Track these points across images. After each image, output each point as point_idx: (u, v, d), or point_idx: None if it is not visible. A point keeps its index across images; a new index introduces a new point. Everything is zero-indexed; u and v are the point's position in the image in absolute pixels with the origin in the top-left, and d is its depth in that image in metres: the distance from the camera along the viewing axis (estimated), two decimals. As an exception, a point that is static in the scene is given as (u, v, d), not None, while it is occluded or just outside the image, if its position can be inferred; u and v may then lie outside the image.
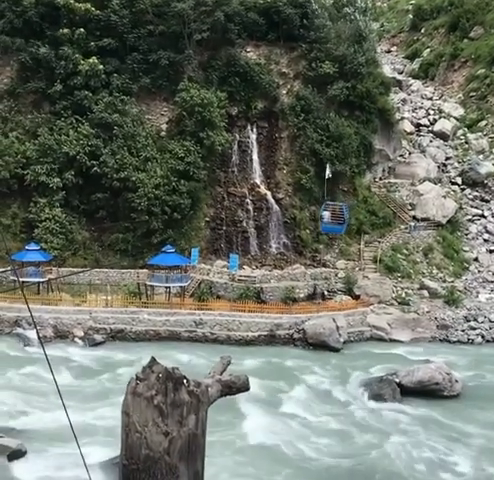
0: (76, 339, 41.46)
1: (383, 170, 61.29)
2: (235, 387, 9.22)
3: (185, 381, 8.09)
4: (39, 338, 37.55)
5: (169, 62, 53.38)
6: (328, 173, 55.25)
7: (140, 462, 7.86)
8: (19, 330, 40.76)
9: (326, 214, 55.44)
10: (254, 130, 56.02)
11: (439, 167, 63.13)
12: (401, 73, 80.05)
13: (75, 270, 46.61)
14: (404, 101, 71.51)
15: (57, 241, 48.99)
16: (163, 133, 54.09)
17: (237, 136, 55.55)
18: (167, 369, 8.03)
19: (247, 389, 9.39)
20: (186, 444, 7.90)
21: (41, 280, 45.58)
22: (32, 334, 39.24)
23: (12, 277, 44.37)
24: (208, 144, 51.40)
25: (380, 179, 60.69)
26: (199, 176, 51.37)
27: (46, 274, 45.91)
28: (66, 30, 51.92)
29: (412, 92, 74.52)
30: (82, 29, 52.25)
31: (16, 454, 24.79)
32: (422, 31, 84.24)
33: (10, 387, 31.97)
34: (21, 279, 44.36)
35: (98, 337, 41.81)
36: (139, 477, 7.86)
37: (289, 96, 56.51)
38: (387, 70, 71.82)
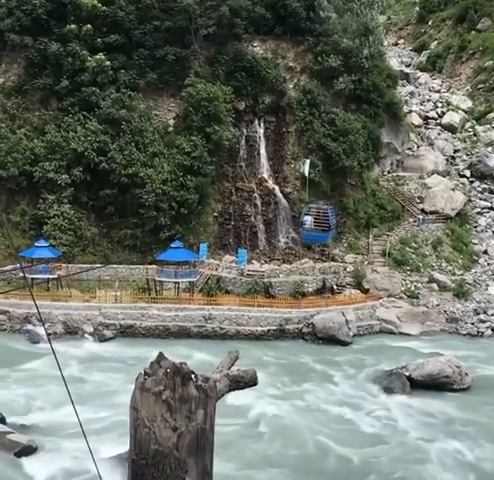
0: (86, 335, 41.57)
1: (391, 163, 61.11)
2: (243, 381, 9.20)
3: (193, 376, 8.07)
4: (47, 334, 37.67)
5: (176, 57, 53.31)
6: (306, 168, 52.84)
7: (149, 457, 7.85)
8: (29, 327, 40.89)
9: (308, 219, 51.02)
10: (261, 124, 55.93)
11: (447, 160, 62.89)
12: (408, 66, 79.73)
13: (90, 266, 46.74)
14: (412, 94, 71.24)
15: (66, 237, 49.08)
16: (170, 129, 54.08)
17: (244, 131, 55.48)
18: (175, 364, 8.02)
19: (255, 383, 9.36)
20: (195, 439, 7.88)
21: (51, 277, 45.69)
22: (42, 330, 39.38)
23: (21, 274, 44.45)
24: (215, 139, 51.34)
25: (388, 172, 60.53)
26: (206, 171, 51.34)
27: (55, 271, 46.01)
28: (73, 26, 51.92)
29: (420, 85, 74.21)
30: (89, 25, 52.25)
31: (27, 450, 24.87)
32: (429, 23, 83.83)
33: (20, 383, 32.10)
34: (31, 276, 44.49)
35: (108, 333, 41.91)
36: (148, 472, 7.86)
37: (296, 90, 56.38)
38: (394, 63, 71.57)
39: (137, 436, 7.99)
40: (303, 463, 25.78)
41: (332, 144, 53.99)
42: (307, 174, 53.06)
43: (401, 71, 71.59)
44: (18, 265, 46.07)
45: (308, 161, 52.92)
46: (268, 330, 43.50)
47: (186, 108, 52.89)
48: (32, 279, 44.84)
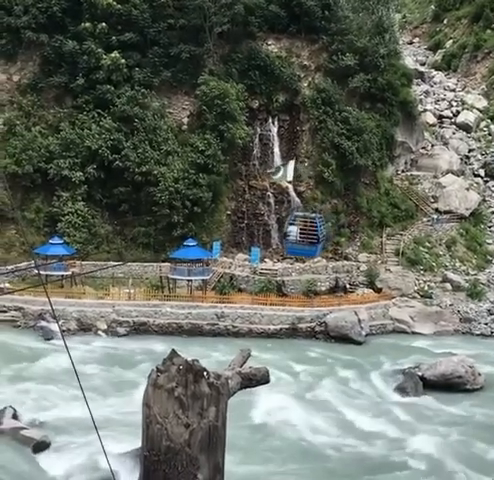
0: (99, 332, 41.78)
1: (405, 162, 60.90)
2: (255, 379, 9.22)
3: (205, 373, 8.10)
4: (61, 331, 37.91)
5: (190, 56, 53.39)
6: (288, 173, 50.18)
7: (161, 453, 7.89)
8: (43, 323, 41.13)
9: (293, 230, 47.00)
10: (275, 123, 55.89)
11: (462, 159, 62.58)
12: (423, 65, 79.37)
13: (107, 264, 46.94)
14: (426, 93, 70.95)
15: (80, 235, 49.32)
16: (184, 127, 54.17)
17: (258, 129, 55.46)
18: (187, 361, 8.05)
19: (267, 381, 9.38)
20: (207, 436, 7.91)
21: (65, 274, 45.93)
22: (56, 327, 39.60)
23: (36, 271, 44.71)
24: (228, 137, 51.37)
25: (402, 171, 60.33)
26: (220, 169, 51.38)
27: (69, 268, 46.26)
28: (88, 24, 52.14)
29: (434, 84, 73.88)
30: (104, 23, 52.44)
31: (41, 446, 25.05)
32: (445, 22, 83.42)
33: (33, 379, 32.31)
34: (45, 273, 44.74)
35: (121, 330, 42.10)
36: (160, 468, 7.90)
37: (310, 89, 56.28)
38: (409, 62, 71.26)
39: (149, 432, 8.04)
40: (310, 462, 25.78)
41: (346, 143, 53.89)
42: (290, 179, 50.54)
43: (416, 70, 71.27)
44: (33, 262, 46.32)
45: (292, 163, 50.53)
46: (280, 329, 43.51)
47: (200, 106, 52.96)
48: (46, 276, 45.09)
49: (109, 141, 50.37)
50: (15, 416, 26.57)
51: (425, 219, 56.18)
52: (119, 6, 53.06)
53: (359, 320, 43.29)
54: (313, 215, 47.60)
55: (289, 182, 52.94)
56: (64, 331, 40.06)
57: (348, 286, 49.15)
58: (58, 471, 23.42)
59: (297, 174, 55.13)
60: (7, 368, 33.33)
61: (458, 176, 59.82)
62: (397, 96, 57.74)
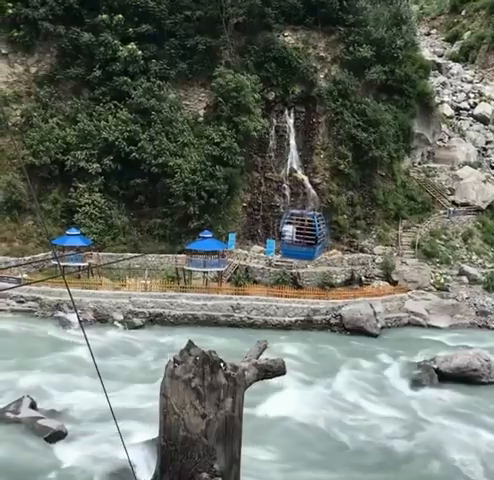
0: (116, 322, 42.00)
1: (422, 154, 60.54)
2: (271, 371, 9.24)
3: (222, 364, 8.13)
4: (79, 321, 38.13)
5: (206, 47, 53.31)
6: (287, 168, 48.69)
7: (178, 443, 7.94)
8: (60, 314, 41.41)
9: (289, 230, 44.60)
10: (291, 115, 55.72)
11: (479, 151, 62.12)
12: (441, 56, 78.76)
13: (127, 256, 47.16)
14: (444, 85, 70.40)
15: (97, 226, 49.54)
16: (200, 119, 54.15)
17: (274, 121, 55.32)
18: (204, 352, 8.08)
19: (283, 373, 9.40)
20: (223, 426, 7.95)
21: (82, 265, 46.18)
22: (73, 317, 39.87)
23: (53, 262, 45.00)
24: (244, 130, 51.30)
25: (419, 164, 59.97)
26: (236, 161, 51.33)
27: (86, 259, 46.50)
28: (105, 16, 52.18)
29: (452, 75, 73.30)
30: (120, 15, 52.45)
31: (57, 435, 25.20)
32: (462, 13, 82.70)
33: (51, 369, 32.53)
34: (62, 264, 44.98)
35: (137, 321, 42.29)
36: (177, 458, 7.94)
37: (327, 80, 56.04)
38: (426, 53, 70.78)
39: (166, 422, 8.08)
40: (328, 454, 25.82)
41: (362, 135, 53.65)
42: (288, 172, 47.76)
43: (433, 61, 70.75)
44: (50, 253, 46.59)
45: (290, 156, 47.18)
46: (296, 321, 43.52)
47: (216, 98, 52.90)
48: (63, 267, 45.34)
49: (125, 133, 50.47)
50: (33, 405, 26.76)
51: (441, 211, 55.85)
52: (136, -2, 53.05)
53: (374, 313, 43.18)
54: (311, 213, 45.45)
55: (305, 175, 52.67)
56: (81, 321, 40.30)
57: (364, 278, 49.03)
58: (74, 461, 23.54)
59: (313, 166, 54.98)
60: (25, 357, 33.59)
61: (475, 168, 59.39)
62: (414, 88, 57.34)
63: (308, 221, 44.43)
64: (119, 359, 35.38)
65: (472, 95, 68.57)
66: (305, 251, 42.77)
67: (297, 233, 43.28)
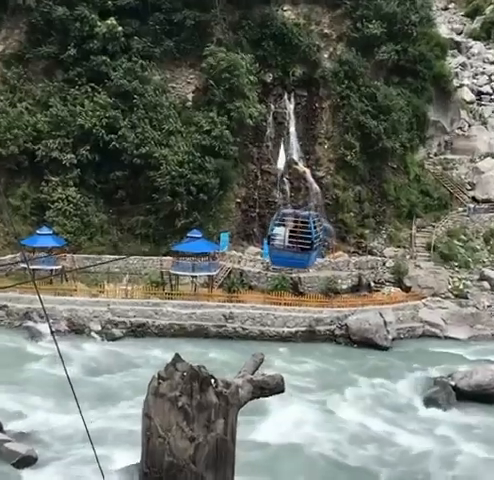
0: (92, 333, 41.91)
1: (439, 145, 60.68)
2: (268, 388, 9.24)
3: (213, 381, 8.13)
4: (52, 332, 38.02)
5: (195, 23, 53.31)
6: (279, 160, 49.52)
7: (163, 470, 7.93)
8: (29, 323, 41.28)
9: (279, 233, 42.81)
10: (291, 100, 55.78)
11: (503, 141, 62.27)
12: (460, 34, 78.90)
13: (102, 258, 47.11)
14: (463, 66, 70.55)
15: (71, 224, 49.49)
16: (189, 103, 54.17)
17: (272, 106, 55.39)
18: (193, 367, 8.08)
19: (282, 390, 9.40)
20: (214, 451, 7.94)
21: (54, 268, 46.05)
22: (44, 328, 39.73)
23: (22, 265, 44.89)
24: (237, 116, 51.34)
25: (435, 155, 60.12)
26: (228, 152, 51.35)
27: (59, 261, 46.39)
28: (81, -12, 52.17)
29: (472, 55, 73.45)
30: (98, -14, 52.47)
31: (26, 461, 25.09)
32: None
33: (19, 386, 32.42)
34: (32, 267, 44.84)
35: (117, 331, 42.21)
36: (161, 487, 7.93)
37: (331, 61, 56.15)
38: (444, 30, 70.93)
39: (150, 447, 8.07)
40: (329, 475, 25.84)
41: (371, 122, 53.74)
42: (280, 167, 47.53)
43: (451, 39, 70.92)
44: (19, 255, 46.48)
45: (282, 149, 47.25)
46: (296, 331, 43.53)
47: (206, 80, 52.93)
48: (33, 270, 45.23)
49: (104, 119, 50.42)
50: (-1, 427, 26.69)
51: (460, 209, 55.97)
52: (116, -33, 53.03)
53: (385, 322, 43.21)
54: (305, 213, 43.80)
55: (307, 167, 52.66)
56: (53, 332, 40.21)
57: (373, 284, 49.06)
58: (46, 489, 23.48)
59: (316, 157, 55.04)
60: (-11, 373, 33.47)
61: (498, 160, 59.57)
62: (430, 69, 57.49)
63: (302, 222, 42.86)
64: (96, 375, 35.29)
65: (495, 78, 68.81)
66: (298, 258, 41.26)
67: (290, 237, 41.59)
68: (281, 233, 41.93)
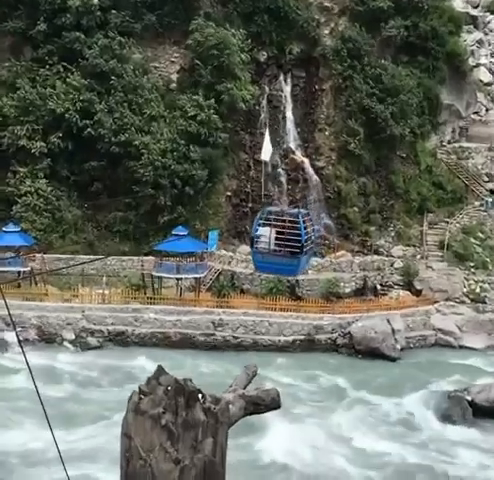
0: (65, 343, 41.88)
1: (453, 131, 60.78)
2: (263, 404, 9.25)
3: (200, 396, 8.14)
4: (19, 342, 37.99)
5: (180, -6, 53.34)
6: (265, 154, 47.74)
7: (144, 496, 7.93)
8: (-6, 332, 41.21)
9: (265, 234, 41.65)
10: (288, 81, 55.80)
11: (524, 127, 62.46)
12: (476, 7, 78.98)
13: (77, 258, 46.94)
14: (480, 43, 70.70)
15: (41, 221, 49.36)
16: (173, 85, 54.13)
17: (266, 88, 55.40)
18: (178, 381, 8.08)
19: (278, 406, 9.41)
20: (201, 474, 7.95)
21: (22, 270, 45.95)
22: (11, 337, 39.62)
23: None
24: (228, 99, 51.33)
25: (449, 142, 60.22)
26: (217, 140, 51.33)
27: (28, 262, 46.30)
28: (51, -45, 52.06)
29: (490, 31, 73.58)
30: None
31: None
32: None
33: (-16, 402, 32.40)
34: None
35: (93, 341, 42.18)
36: (143, 515, 7.94)
37: (333, 37, 56.16)
38: (458, 3, 70.96)
39: (130, 470, 8.07)
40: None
41: (378, 106, 53.81)
42: (266, 158, 46.58)
43: (467, 13, 71.01)
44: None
45: (267, 137, 46.61)
46: (294, 340, 43.58)
47: (192, 59, 52.89)
48: (-1, 273, 45.17)
49: (78, 103, 50.31)
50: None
51: (477, 203, 56.10)
52: None
53: (393, 330, 43.30)
54: (295, 211, 43.04)
55: (306, 156, 52.68)
56: (21, 342, 40.15)
57: (379, 287, 49.16)
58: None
59: (316, 145, 55.09)
60: None
61: (519, 149, 59.75)
62: (443, 46, 57.57)
63: (290, 222, 41.83)
64: (70, 389, 35.29)
65: (515, 56, 69.02)
66: (286, 263, 39.97)
67: (277, 239, 40.60)
68: (266, 234, 40.86)
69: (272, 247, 40.01)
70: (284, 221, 41.65)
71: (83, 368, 38.66)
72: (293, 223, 41.62)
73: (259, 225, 41.49)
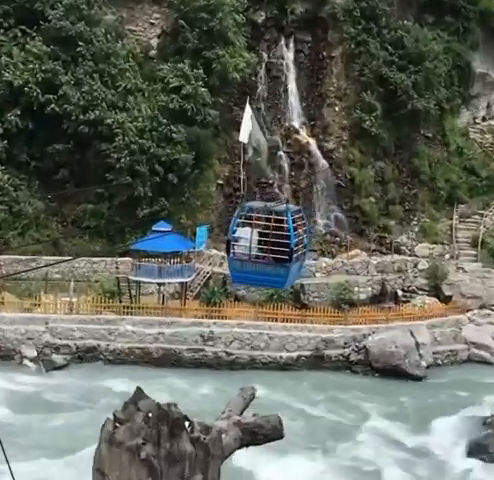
0: (26, 361, 41.81)
1: (488, 106, 60.82)
2: (262, 433, 9.26)
3: (187, 424, 8.14)
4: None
5: None
6: (243, 134, 48.72)
7: None
8: None
9: (245, 236, 44.02)
10: (290, 46, 55.81)
11: None
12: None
13: (39, 260, 46.87)
14: (520, 0, 70.65)
15: (-5, 215, 49.44)
16: (153, 52, 54.11)
17: (265, 56, 55.42)
18: (160, 406, 8.08)
19: (280, 436, 9.42)
20: (189, 518, 7.96)
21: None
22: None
23: None
24: (219, 69, 51.29)
25: (483, 119, 60.26)
26: (206, 118, 51.31)
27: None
28: None
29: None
30: None
31: None
32: None
33: None
34: None
35: (58, 358, 42.13)
36: None
37: (344, -6, 56.20)
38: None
39: (103, 512, 8.08)
40: None
41: (398, 75, 53.82)
42: (244, 139, 48.24)
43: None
44: None
45: (247, 117, 48.36)
46: (298, 357, 43.60)
47: (176, 21, 52.82)
48: None
49: (39, 74, 50.23)
50: None
51: (517, 191, 56.19)
52: None
53: (417, 344, 43.33)
54: (282, 207, 42.68)
55: (312, 136, 52.72)
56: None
57: (400, 293, 49.16)
58: None
59: (324, 124, 55.07)
60: None
61: None
62: (475, 4, 57.66)
63: (277, 221, 41.68)
64: (30, 415, 35.24)
65: None
66: (271, 274, 38.67)
67: (259, 242, 40.29)
68: (246, 237, 39.83)
69: (253, 253, 39.10)
70: (269, 220, 40.90)
71: (47, 391, 38.61)
72: (280, 222, 41.20)
73: (237, 225, 40.65)
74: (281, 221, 36.26)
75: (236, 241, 35.87)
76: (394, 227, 53.72)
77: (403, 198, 54.84)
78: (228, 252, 32.98)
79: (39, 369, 41.45)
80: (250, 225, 37.04)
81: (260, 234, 36.32)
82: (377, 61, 54.31)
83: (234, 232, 33.00)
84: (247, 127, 42.79)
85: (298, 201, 53.26)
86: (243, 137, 45.50)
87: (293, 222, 36.56)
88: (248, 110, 43.44)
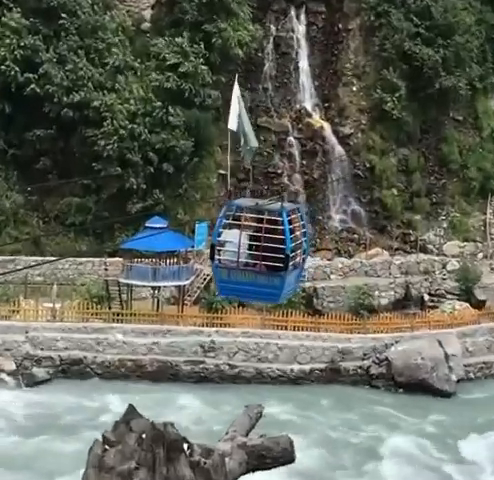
0: (3, 375, 41.87)
1: (526, 85, 60.79)
2: (271, 456, 9.31)
3: (186, 446, 8.19)
4: None
5: None
6: (232, 121, 48.91)
7: None
8: None
9: (231, 239, 42.72)
10: (302, 18, 55.83)
11: None
12: None
13: (18, 261, 46.96)
14: None
15: (-31, 210, 49.56)
16: (146, 25, 54.13)
17: (272, 29, 55.44)
18: (155, 426, 8.13)
19: (291, 460, 9.48)
20: None
21: None
22: None
23: None
24: (221, 44, 51.30)
25: (521, 100, 60.21)
26: (206, 99, 51.31)
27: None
28: None
29: None
30: None
31: None
32: None
33: None
34: None
35: (40, 372, 42.18)
36: None
37: (362, -42, 56.24)
38: None
39: None
40: None
41: (424, 51, 53.75)
42: (233, 127, 48.58)
43: None
44: None
45: (235, 101, 48.86)
46: (311, 370, 43.62)
47: (173, -11, 52.97)
48: None
49: (18, 50, 50.28)
50: None
51: None
52: None
53: (446, 355, 43.32)
54: (276, 206, 43.12)
55: (326, 120, 52.80)
56: None
57: (427, 297, 49.16)
58: None
59: (340, 106, 55.04)
60: None
61: None
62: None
63: (270, 222, 41.08)
64: (9, 436, 35.31)
65: None
66: (264, 284, 38.22)
67: (250, 247, 39.66)
68: (234, 241, 39.34)
69: (242, 259, 38.78)
70: (261, 221, 40.49)
71: (27, 409, 38.66)
72: (274, 223, 40.75)
73: (223, 227, 40.24)
74: (275, 222, 35.00)
75: (222, 246, 34.80)
76: (420, 223, 53.67)
77: (430, 190, 54.79)
78: (212, 259, 31.78)
79: (18, 384, 41.54)
80: (238, 227, 36.11)
81: (250, 237, 35.27)
82: (400, 34, 54.19)
83: (219, 235, 31.87)
84: (235, 110, 42.53)
85: (311, 193, 53.37)
86: (232, 124, 45.44)
87: (289, 223, 35.10)
88: (236, 91, 43.02)
